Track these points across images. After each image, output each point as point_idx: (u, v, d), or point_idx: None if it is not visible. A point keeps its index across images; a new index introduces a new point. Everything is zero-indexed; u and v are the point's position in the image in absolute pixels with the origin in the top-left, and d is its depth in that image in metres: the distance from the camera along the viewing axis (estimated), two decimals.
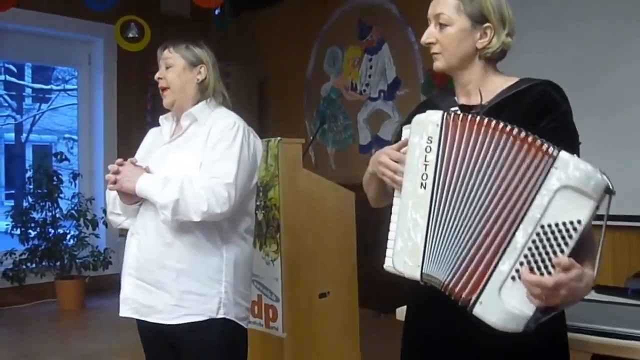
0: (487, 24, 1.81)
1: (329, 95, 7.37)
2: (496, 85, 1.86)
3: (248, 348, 2.65)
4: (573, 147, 1.70)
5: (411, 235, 1.65)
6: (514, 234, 1.49)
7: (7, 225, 6.68)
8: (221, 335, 2.46)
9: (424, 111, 1.83)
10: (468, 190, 1.58)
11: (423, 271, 1.63)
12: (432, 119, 1.67)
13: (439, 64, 1.90)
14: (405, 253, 1.67)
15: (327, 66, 7.43)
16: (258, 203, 3.58)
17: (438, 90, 2.07)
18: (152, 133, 2.80)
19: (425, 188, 1.64)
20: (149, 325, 2.49)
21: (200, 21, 7.87)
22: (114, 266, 6.49)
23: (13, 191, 14.49)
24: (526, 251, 1.48)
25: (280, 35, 7.84)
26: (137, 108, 7.28)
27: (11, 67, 14.65)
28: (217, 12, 7.30)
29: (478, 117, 1.60)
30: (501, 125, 1.56)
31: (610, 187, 1.44)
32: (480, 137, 1.59)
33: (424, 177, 1.65)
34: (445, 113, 1.66)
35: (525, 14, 5.27)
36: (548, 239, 1.46)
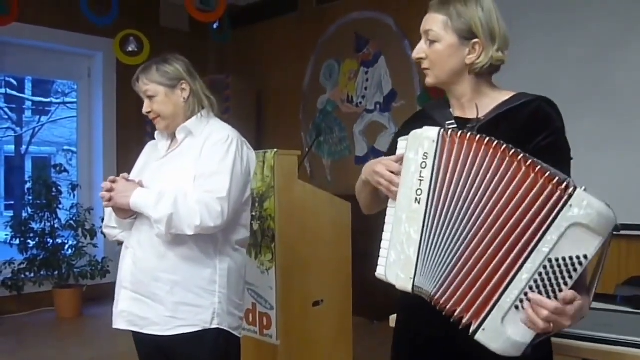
0: (475, 40, 1.82)
1: (325, 108, 7.38)
2: (491, 99, 1.87)
3: (242, 355, 2.69)
4: (566, 164, 1.76)
5: (404, 248, 1.68)
6: (522, 266, 1.50)
7: (6, 235, 6.68)
8: (215, 345, 2.49)
9: (419, 121, 1.89)
10: (464, 208, 1.60)
11: (415, 284, 1.66)
12: (428, 134, 1.68)
13: (429, 80, 1.92)
14: (398, 266, 1.70)
15: (323, 79, 7.44)
16: (254, 213, 3.62)
17: (433, 101, 2.09)
18: (149, 147, 2.81)
19: (419, 203, 1.66)
20: (144, 337, 2.52)
21: (199, 35, 7.90)
22: (112, 275, 6.45)
23: (13, 202, 14.45)
24: (531, 283, 1.49)
25: (278, 49, 7.87)
26: (136, 121, 7.29)
27: (12, 80, 14.65)
28: (215, 25, 7.33)
29: (477, 135, 1.61)
30: (502, 146, 1.56)
31: (617, 224, 1.46)
32: (480, 156, 1.59)
33: (419, 193, 1.67)
34: (442, 130, 1.67)
35: (528, 17, 5.23)
36: (554, 272, 1.48)
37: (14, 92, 15.20)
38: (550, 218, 1.47)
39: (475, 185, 1.58)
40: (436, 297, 1.62)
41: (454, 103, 1.95)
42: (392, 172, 1.78)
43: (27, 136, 16.15)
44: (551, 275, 1.48)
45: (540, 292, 1.49)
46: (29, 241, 6.61)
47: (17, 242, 6.58)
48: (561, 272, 1.47)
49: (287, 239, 3.67)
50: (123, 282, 2.54)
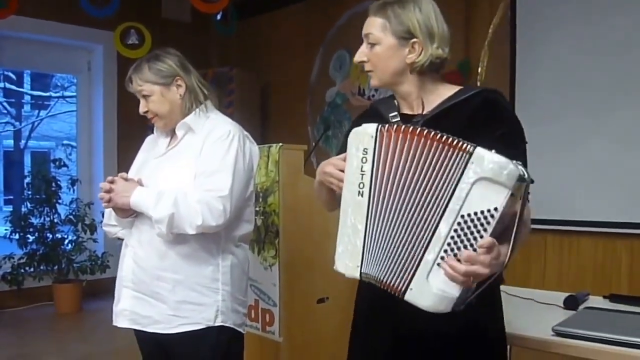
0: (414, 40, 1.90)
1: (334, 101, 7.22)
2: (437, 95, 1.95)
3: (244, 352, 2.68)
4: (520, 150, 1.85)
5: (351, 239, 1.80)
6: (437, 225, 1.62)
7: (6, 230, 6.68)
8: (218, 343, 2.49)
9: (367, 117, 2.03)
10: (399, 194, 1.69)
11: (362, 271, 1.78)
12: (367, 131, 1.77)
13: (373, 82, 2.00)
14: (346, 256, 1.82)
15: (333, 70, 7.26)
16: (257, 209, 3.59)
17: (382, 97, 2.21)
18: (148, 141, 2.80)
19: (362, 196, 1.76)
20: (146, 335, 2.51)
21: (202, 26, 7.84)
22: (112, 270, 6.44)
23: (12, 197, 14.45)
24: (449, 240, 1.60)
25: (284, 40, 7.74)
26: (137, 115, 7.11)
27: (10, 74, 14.62)
28: (218, 17, 7.26)
29: (411, 127, 1.70)
30: (426, 131, 1.65)
31: (523, 175, 1.55)
32: (407, 144, 1.68)
33: (361, 186, 1.76)
34: (380, 125, 1.75)
35: (557, 8, 5.09)
36: (468, 227, 1.58)
37: (12, 86, 15.17)
38: (457, 177, 1.59)
39: (407, 171, 1.68)
40: (384, 280, 1.73)
41: (401, 102, 2.02)
42: (341, 171, 1.87)
43: (26, 131, 16.13)
44: (466, 231, 1.58)
45: (458, 248, 1.59)
46: (29, 236, 6.61)
47: (17, 236, 6.57)
48: (475, 227, 1.57)
49: (291, 235, 3.64)
50: (124, 281, 2.53)
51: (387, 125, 1.75)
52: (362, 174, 1.76)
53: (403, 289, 1.67)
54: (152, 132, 2.75)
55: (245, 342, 2.67)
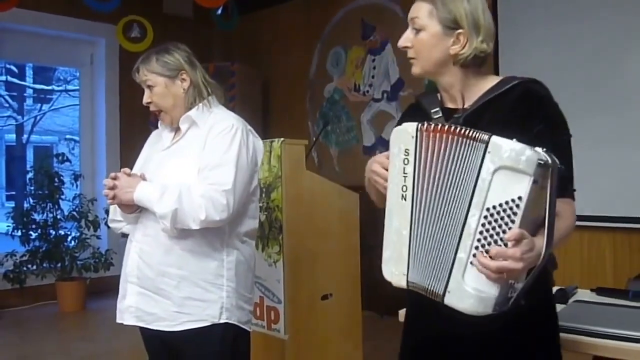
0: (459, 30, 1.83)
1: (332, 96, 7.33)
2: (479, 88, 1.89)
3: (250, 350, 2.65)
4: (562, 144, 1.79)
5: (396, 245, 1.75)
6: (464, 221, 1.58)
7: (8, 226, 6.65)
8: (223, 340, 2.46)
9: (413, 112, 2.02)
10: (436, 196, 1.66)
11: (409, 279, 1.74)
12: (408, 130, 1.73)
13: (415, 69, 1.94)
14: (392, 263, 1.77)
15: (330, 67, 7.38)
16: (261, 204, 3.57)
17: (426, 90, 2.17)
18: (153, 136, 2.79)
19: (405, 200, 1.73)
20: (151, 333, 2.49)
21: (203, 21, 7.83)
22: (116, 268, 6.44)
23: (14, 192, 14.52)
24: (479, 235, 1.56)
25: (283, 36, 7.81)
26: (140, 108, 7.12)
27: (12, 67, 14.64)
28: (219, 11, 7.25)
29: (446, 126, 1.66)
30: (459, 129, 1.62)
31: (543, 160, 1.49)
32: (443, 143, 1.65)
33: (404, 189, 1.73)
34: (419, 124, 1.70)
35: (537, 8, 5.25)
36: (496, 220, 1.53)
37: (14, 80, 15.19)
38: (477, 169, 1.56)
39: (441, 171, 1.65)
40: (427, 288, 1.69)
41: (443, 94, 1.98)
42: (386, 169, 1.82)
43: (29, 125, 16.18)
44: (494, 224, 1.54)
45: (489, 243, 1.54)
46: (31, 232, 6.58)
47: (19, 233, 6.55)
48: (502, 219, 1.52)
49: (295, 231, 3.63)
50: (129, 277, 2.51)
51: (426, 125, 1.70)
52: (405, 176, 1.73)
53: (442, 292, 1.63)
54: (155, 125, 2.74)
55: (251, 340, 2.66)
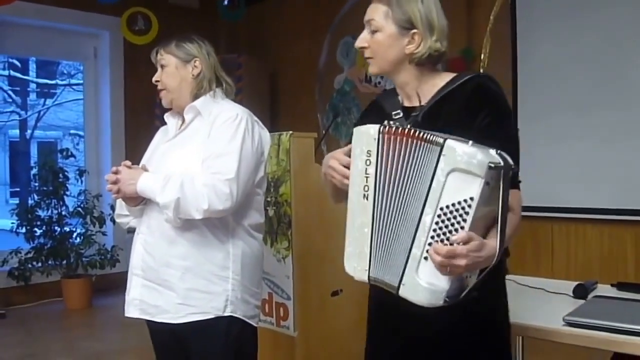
0: (414, 30, 1.93)
1: (343, 87, 7.26)
2: (432, 85, 1.98)
3: (258, 347, 2.65)
4: (508, 138, 1.86)
5: (359, 242, 1.85)
6: (419, 219, 1.68)
7: (12, 223, 6.64)
8: (228, 334, 2.46)
9: (373, 111, 2.12)
10: (396, 197, 1.75)
11: (370, 275, 1.83)
12: (369, 132, 1.82)
13: (372, 69, 2.03)
14: (354, 258, 1.87)
15: (340, 57, 7.30)
16: (269, 199, 3.57)
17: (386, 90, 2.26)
18: (160, 132, 2.81)
19: (367, 199, 1.82)
20: (157, 325, 2.49)
21: (209, 12, 7.81)
22: (122, 264, 6.45)
23: (18, 189, 14.53)
24: (432, 232, 1.66)
25: (291, 26, 7.74)
26: (145, 102, 7.18)
27: (15, 62, 14.61)
28: (225, 2, 7.21)
29: (407, 129, 1.74)
30: (418, 133, 1.71)
31: (494, 163, 1.58)
32: (400, 146, 1.74)
33: (366, 189, 1.82)
34: (381, 127, 1.80)
35: (544, 3, 5.25)
36: (448, 219, 1.63)
37: (17, 74, 15.17)
38: (432, 171, 1.65)
39: (400, 172, 1.74)
40: (389, 283, 1.77)
41: (400, 92, 2.06)
42: (344, 166, 1.92)
43: (32, 120, 16.17)
44: (447, 222, 1.63)
45: (442, 240, 1.64)
46: (36, 229, 6.60)
47: (24, 230, 6.55)
48: (455, 218, 1.62)
49: (304, 226, 3.60)
50: (134, 269, 2.53)
51: (387, 127, 1.79)
52: (367, 177, 1.81)
53: (396, 285, 1.74)
54: (159, 119, 2.79)
55: (259, 337, 2.65)
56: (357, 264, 1.86)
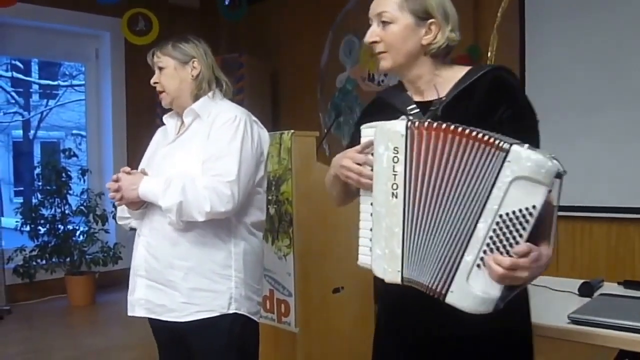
0: (431, 20, 1.85)
1: (345, 86, 7.20)
2: (446, 78, 1.91)
3: (260, 343, 2.67)
4: (530, 130, 1.82)
5: (388, 242, 1.74)
6: (475, 226, 1.58)
7: (16, 222, 6.68)
8: (232, 330, 2.47)
9: (379, 109, 2.01)
10: (437, 197, 1.65)
11: (403, 276, 1.73)
12: (396, 128, 1.71)
13: (385, 63, 1.93)
14: (384, 260, 1.76)
15: (342, 56, 7.24)
16: (270, 197, 3.58)
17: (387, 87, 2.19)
18: (159, 133, 2.81)
19: (397, 197, 1.71)
20: (161, 324, 2.51)
21: (210, 12, 7.80)
22: (124, 261, 6.50)
23: (22, 188, 14.48)
24: (488, 240, 1.57)
25: (293, 25, 7.71)
26: (147, 102, 7.20)
27: (17, 63, 14.59)
28: (226, 1, 7.23)
29: (443, 124, 1.64)
30: (461, 129, 1.61)
31: (561, 171, 1.53)
32: (443, 143, 1.64)
33: (394, 187, 1.71)
34: (409, 122, 1.70)
35: (546, 7, 5.24)
36: (507, 227, 1.55)
37: (20, 75, 15.15)
38: (494, 176, 1.56)
39: (444, 172, 1.64)
40: (427, 284, 1.69)
41: (409, 87, 1.98)
42: (358, 164, 1.83)
43: (35, 121, 16.12)
44: (505, 230, 1.55)
45: (498, 247, 1.56)
46: (40, 228, 6.63)
47: (28, 228, 6.59)
48: (514, 225, 1.55)
49: (305, 224, 3.62)
50: (138, 271, 2.53)
51: (417, 122, 1.68)
52: (395, 174, 1.71)
53: (444, 291, 1.64)
54: (161, 119, 2.76)
55: (260, 333, 2.67)
56: (387, 265, 1.75)
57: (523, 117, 1.82)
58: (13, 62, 13.94)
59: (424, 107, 1.89)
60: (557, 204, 1.59)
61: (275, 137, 3.54)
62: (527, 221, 1.53)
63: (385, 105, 2.00)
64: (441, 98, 1.86)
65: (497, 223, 1.56)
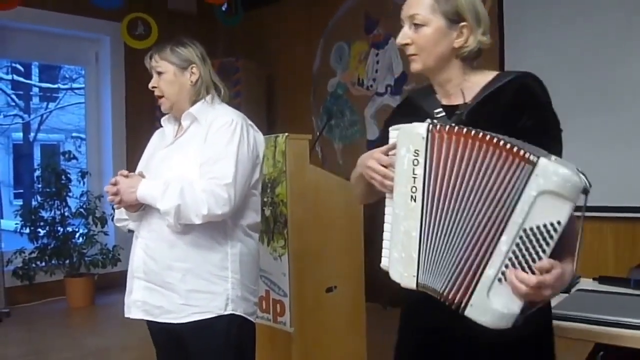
0: (463, 23, 1.83)
1: (336, 91, 7.30)
2: (474, 82, 1.88)
3: (256, 343, 2.67)
4: (554, 139, 1.77)
5: (405, 246, 1.71)
6: (498, 239, 1.54)
7: (16, 224, 6.69)
8: (229, 331, 2.49)
9: (408, 110, 1.98)
10: (457, 203, 1.61)
11: (419, 281, 1.70)
12: (418, 131, 1.68)
13: (416, 66, 1.89)
14: (400, 264, 1.73)
15: (333, 61, 7.34)
16: (265, 199, 3.60)
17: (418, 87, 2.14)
18: (157, 135, 2.83)
19: (415, 201, 1.68)
20: (159, 326, 2.53)
21: (208, 17, 7.82)
22: (123, 263, 6.47)
23: (22, 190, 14.50)
24: (510, 254, 1.53)
25: (287, 31, 7.78)
26: (146, 105, 7.25)
27: (18, 66, 14.64)
28: (224, 8, 7.27)
29: (464, 129, 1.61)
30: (483, 135, 1.57)
31: (587, 187, 1.49)
32: (464, 148, 1.60)
33: (413, 190, 1.68)
34: (431, 125, 1.67)
35: (531, 11, 5.29)
36: (530, 241, 1.50)
37: (20, 78, 15.19)
38: (519, 189, 1.51)
39: (464, 178, 1.60)
40: (445, 294, 1.65)
41: (438, 90, 1.96)
42: (384, 166, 1.79)
43: (35, 123, 16.17)
44: (528, 245, 1.51)
45: (520, 262, 1.52)
46: (39, 230, 6.63)
47: (27, 231, 6.60)
48: (537, 240, 1.50)
49: (299, 225, 3.64)
50: (136, 272, 2.54)
51: (438, 126, 1.66)
52: (414, 177, 1.68)
53: (463, 304, 1.60)
54: (160, 120, 2.77)
55: (256, 333, 2.68)
56: (403, 269, 1.72)
57: (547, 126, 1.79)
58: (14, 65, 14.01)
59: (451, 111, 1.86)
60: (582, 219, 1.56)
61: (270, 140, 3.56)
62: (551, 237, 1.49)
63: (414, 107, 1.98)
64: (467, 103, 1.84)
65: (521, 237, 1.51)
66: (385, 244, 1.79)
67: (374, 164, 1.82)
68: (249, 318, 2.56)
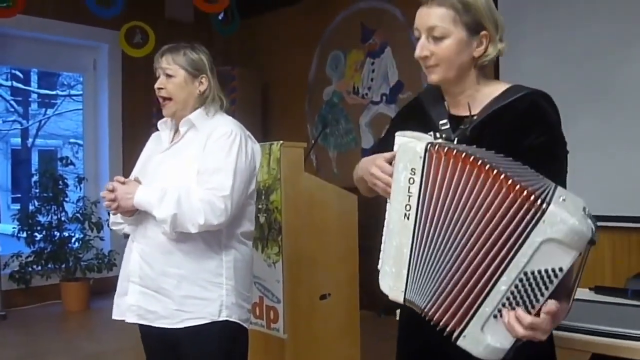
0: (483, 32, 1.78)
1: (331, 99, 7.32)
2: (484, 94, 1.84)
3: (249, 349, 2.70)
4: (558, 161, 1.76)
5: (396, 262, 1.71)
6: (498, 278, 1.50)
7: (13, 228, 6.69)
8: (223, 337, 2.51)
9: (414, 115, 1.96)
10: (450, 229, 1.58)
11: (406, 296, 1.69)
12: (416, 150, 1.65)
13: (435, 77, 1.84)
14: (390, 278, 1.73)
15: (329, 70, 7.36)
16: (260, 206, 3.62)
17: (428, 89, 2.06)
18: (153, 138, 2.83)
19: (408, 219, 1.67)
20: (152, 330, 2.54)
21: (204, 26, 7.83)
22: (118, 268, 6.42)
23: (19, 195, 14.48)
24: (509, 294, 1.51)
25: (283, 40, 7.80)
26: (143, 113, 7.26)
27: (17, 73, 14.65)
28: (220, 16, 7.31)
29: (464, 153, 1.55)
30: (482, 163, 1.51)
31: (594, 238, 1.47)
32: (461, 174, 1.55)
33: (408, 208, 1.67)
34: (430, 144, 1.62)
35: (531, 16, 5.27)
36: (530, 284, 1.48)
37: (19, 85, 15.21)
38: (525, 234, 1.46)
39: (460, 205, 1.56)
40: (426, 310, 1.64)
41: (448, 98, 1.91)
42: (387, 175, 1.77)
43: (33, 129, 16.16)
44: (527, 287, 1.49)
45: (517, 303, 1.50)
46: (36, 234, 6.63)
47: (24, 235, 6.60)
48: (537, 284, 1.48)
49: (293, 232, 3.66)
50: (131, 277, 2.54)
51: (437, 146, 1.60)
52: (410, 196, 1.66)
53: (456, 334, 1.57)
54: (156, 129, 2.77)
55: (250, 339, 2.69)
56: (393, 283, 1.72)
57: (554, 147, 1.76)
58: (13, 71, 14.01)
59: (457, 121, 1.83)
60: (583, 267, 1.53)
61: (265, 147, 3.57)
62: (551, 281, 1.46)
63: (422, 112, 1.94)
64: (473, 116, 1.79)
65: (521, 280, 1.48)
66: (383, 247, 1.79)
67: (377, 171, 1.80)
68: (242, 324, 2.57)
